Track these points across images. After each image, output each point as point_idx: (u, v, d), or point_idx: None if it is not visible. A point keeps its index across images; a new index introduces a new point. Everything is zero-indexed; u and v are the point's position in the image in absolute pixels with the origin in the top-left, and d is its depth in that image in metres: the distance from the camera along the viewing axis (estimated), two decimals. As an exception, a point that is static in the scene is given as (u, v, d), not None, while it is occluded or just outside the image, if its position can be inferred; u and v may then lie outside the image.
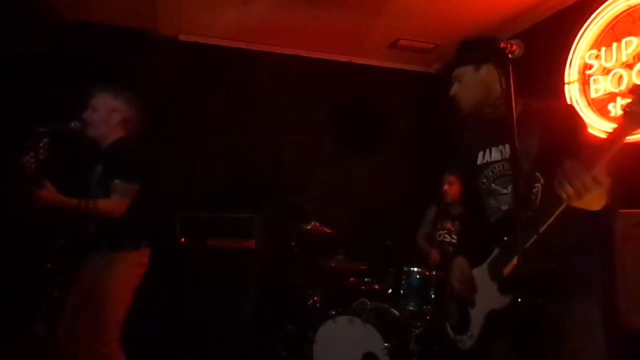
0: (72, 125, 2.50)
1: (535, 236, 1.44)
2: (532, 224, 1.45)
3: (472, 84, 1.79)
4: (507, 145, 1.72)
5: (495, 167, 1.79)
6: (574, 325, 1.56)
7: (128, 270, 2.48)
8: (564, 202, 1.35)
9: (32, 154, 2.31)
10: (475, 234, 1.91)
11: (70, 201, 2.37)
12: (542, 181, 1.59)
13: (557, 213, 1.41)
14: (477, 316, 1.73)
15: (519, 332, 1.49)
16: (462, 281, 1.84)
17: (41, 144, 2.33)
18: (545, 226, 1.44)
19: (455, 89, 1.84)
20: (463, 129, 2.07)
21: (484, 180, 1.82)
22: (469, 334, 1.76)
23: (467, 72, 1.80)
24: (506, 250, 1.61)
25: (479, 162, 1.85)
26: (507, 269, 1.59)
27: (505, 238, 1.62)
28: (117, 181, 2.43)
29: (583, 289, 1.60)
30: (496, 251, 1.67)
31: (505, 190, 1.73)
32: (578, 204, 1.34)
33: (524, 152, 1.57)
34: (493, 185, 1.78)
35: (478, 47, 1.80)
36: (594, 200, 1.35)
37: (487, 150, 1.82)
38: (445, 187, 3.69)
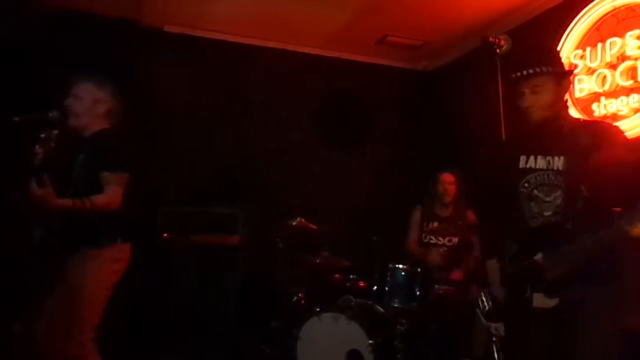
0: (50, 115, 2.40)
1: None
2: (573, 234, 1.61)
3: (549, 94, 1.84)
4: (558, 158, 1.82)
5: (539, 175, 1.87)
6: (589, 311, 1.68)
7: (102, 267, 2.37)
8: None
9: (43, 144, 2.24)
10: (512, 235, 1.98)
11: (66, 203, 2.27)
12: (585, 194, 1.71)
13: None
14: None
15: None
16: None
17: (53, 136, 2.26)
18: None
19: (529, 100, 1.86)
20: (505, 131, 2.12)
21: (526, 184, 1.90)
22: None
23: (547, 82, 1.84)
24: (552, 258, 1.73)
25: (520, 166, 1.92)
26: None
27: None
28: (106, 173, 2.35)
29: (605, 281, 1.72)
30: (539, 255, 1.76)
31: (548, 198, 1.83)
32: None
33: (574, 165, 1.71)
34: (535, 191, 1.87)
35: (553, 56, 1.94)
36: None
37: (532, 157, 1.90)
38: (447, 186, 3.70)
